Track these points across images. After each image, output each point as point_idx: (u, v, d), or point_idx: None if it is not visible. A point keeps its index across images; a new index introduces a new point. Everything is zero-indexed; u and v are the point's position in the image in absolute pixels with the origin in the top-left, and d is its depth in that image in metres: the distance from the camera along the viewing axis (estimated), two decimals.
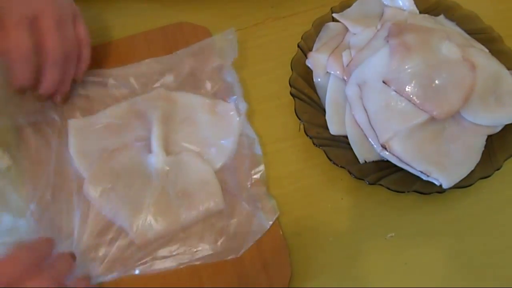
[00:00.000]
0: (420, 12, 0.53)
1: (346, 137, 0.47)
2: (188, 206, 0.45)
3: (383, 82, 0.45)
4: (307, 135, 0.46)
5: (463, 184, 0.43)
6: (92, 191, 0.45)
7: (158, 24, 0.58)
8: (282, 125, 0.51)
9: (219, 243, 0.44)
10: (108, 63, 0.54)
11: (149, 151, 0.48)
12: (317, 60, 0.50)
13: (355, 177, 0.44)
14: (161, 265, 0.43)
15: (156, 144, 0.47)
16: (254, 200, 0.45)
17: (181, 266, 0.43)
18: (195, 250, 0.43)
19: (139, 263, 0.43)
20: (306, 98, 0.49)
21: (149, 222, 0.44)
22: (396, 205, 0.46)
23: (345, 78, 0.48)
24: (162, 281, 0.42)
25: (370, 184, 0.43)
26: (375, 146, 0.45)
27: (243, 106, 0.50)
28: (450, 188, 0.43)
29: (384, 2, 0.54)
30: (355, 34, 0.51)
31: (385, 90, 0.45)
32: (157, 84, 0.52)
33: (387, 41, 0.48)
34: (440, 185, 0.43)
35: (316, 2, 0.58)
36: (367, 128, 0.46)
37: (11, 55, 0.43)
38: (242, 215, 0.45)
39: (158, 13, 0.60)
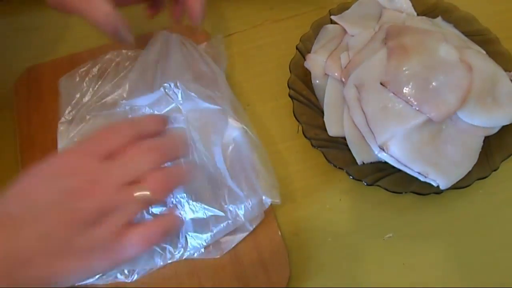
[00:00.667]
0: (418, 14, 0.54)
1: (344, 138, 0.47)
2: None
3: (381, 83, 0.46)
4: (305, 137, 0.47)
5: (461, 185, 0.43)
6: None
7: (157, 26, 0.58)
8: (280, 127, 0.51)
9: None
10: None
11: None
12: (316, 62, 0.51)
13: (353, 178, 0.44)
14: None
15: None
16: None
17: None
18: None
19: None
20: (305, 99, 0.50)
21: None
22: (394, 206, 0.46)
23: (343, 80, 0.49)
24: (162, 282, 0.43)
25: (368, 185, 0.44)
26: (373, 147, 0.45)
27: None
28: (448, 189, 0.43)
29: (382, 4, 0.54)
30: (353, 36, 0.52)
31: (382, 91, 0.46)
32: None
33: (385, 43, 0.48)
34: (438, 186, 0.43)
35: (315, 4, 0.59)
36: (365, 129, 0.46)
37: None
38: None
39: (157, 16, 0.60)
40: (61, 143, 0.48)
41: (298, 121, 0.47)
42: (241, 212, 0.44)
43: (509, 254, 0.44)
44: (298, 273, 0.43)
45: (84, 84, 0.51)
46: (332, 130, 0.47)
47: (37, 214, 0.31)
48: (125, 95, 0.49)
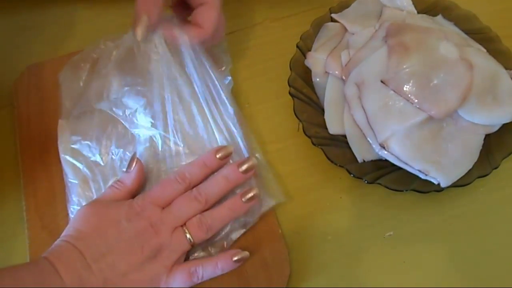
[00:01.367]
0: (418, 12, 0.54)
1: (344, 136, 0.47)
2: None
3: (381, 81, 0.46)
4: (306, 135, 0.46)
5: (461, 183, 0.43)
6: None
7: None
8: (281, 125, 0.51)
9: None
10: None
11: None
12: (316, 60, 0.51)
13: (354, 176, 0.44)
14: None
15: None
16: None
17: None
18: None
19: None
20: (305, 97, 0.49)
21: None
22: (394, 203, 0.46)
23: (344, 77, 0.49)
24: None
25: (368, 183, 0.44)
26: (373, 145, 0.45)
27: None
28: (448, 187, 0.43)
29: (383, 2, 0.54)
30: (353, 34, 0.52)
31: (383, 89, 0.46)
32: None
33: (385, 41, 0.48)
34: (438, 184, 0.43)
35: (315, 2, 0.59)
36: (366, 127, 0.46)
37: None
38: None
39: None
40: (61, 139, 0.48)
41: (298, 119, 0.47)
42: None
43: (510, 252, 0.44)
44: (298, 271, 0.43)
45: (82, 75, 0.51)
46: (333, 128, 0.47)
47: (108, 251, 0.39)
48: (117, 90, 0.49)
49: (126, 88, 0.48)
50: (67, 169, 0.47)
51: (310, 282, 0.43)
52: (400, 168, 0.44)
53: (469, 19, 0.53)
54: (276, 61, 0.54)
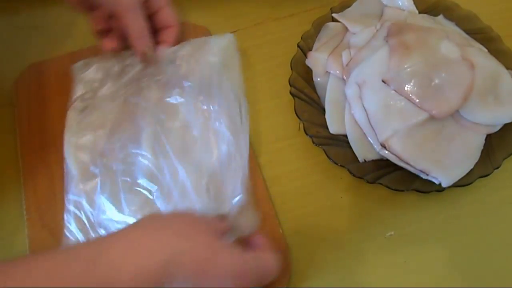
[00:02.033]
0: (419, 12, 0.54)
1: (345, 136, 0.47)
2: None
3: (383, 81, 0.45)
4: (306, 134, 0.46)
5: (462, 183, 0.43)
6: None
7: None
8: (282, 124, 0.51)
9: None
10: None
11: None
12: (317, 60, 0.51)
13: (355, 175, 0.44)
14: None
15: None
16: None
17: None
18: None
19: None
20: (306, 97, 0.49)
21: None
22: (395, 203, 0.46)
23: (345, 77, 0.49)
24: None
25: (369, 182, 0.44)
26: (374, 145, 0.45)
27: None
28: (449, 186, 0.43)
29: (384, 2, 0.54)
30: (354, 34, 0.52)
31: (384, 89, 0.46)
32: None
33: (387, 41, 0.48)
34: (439, 184, 0.43)
35: (316, 2, 0.59)
36: (367, 127, 0.46)
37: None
38: None
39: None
40: (69, 130, 0.48)
41: (299, 118, 0.47)
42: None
43: (511, 252, 0.44)
44: (299, 271, 0.43)
45: (101, 76, 0.51)
46: (334, 127, 0.47)
47: None
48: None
49: None
50: (69, 160, 0.47)
51: (311, 282, 0.43)
52: (401, 168, 0.44)
53: (470, 19, 0.53)
54: (277, 61, 0.54)
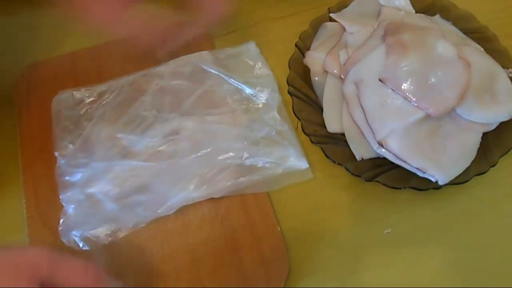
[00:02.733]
0: (416, 12, 0.54)
1: (343, 134, 0.47)
2: None
3: (380, 80, 0.46)
4: (304, 133, 0.47)
5: (459, 181, 0.43)
6: None
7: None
8: None
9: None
10: (108, 62, 0.55)
11: None
12: (315, 59, 0.51)
13: (352, 174, 0.44)
14: None
15: None
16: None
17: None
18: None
19: None
20: (304, 96, 0.50)
21: None
22: (392, 201, 0.46)
23: (342, 76, 0.49)
24: (161, 278, 0.43)
25: (367, 180, 0.44)
26: (371, 143, 0.45)
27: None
28: (446, 184, 0.43)
29: (381, 2, 0.54)
30: (352, 33, 0.52)
31: (381, 88, 0.46)
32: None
33: (384, 40, 0.48)
34: (436, 182, 0.43)
35: (314, 2, 0.59)
36: (364, 125, 0.46)
37: None
38: None
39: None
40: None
41: (297, 117, 0.48)
42: None
43: (508, 249, 0.44)
44: (297, 268, 0.43)
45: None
46: (331, 126, 0.48)
47: None
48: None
49: None
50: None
51: (309, 279, 0.43)
52: (398, 166, 0.45)
53: (466, 19, 0.53)
54: (275, 60, 0.54)
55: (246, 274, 0.42)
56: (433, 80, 0.45)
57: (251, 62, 0.54)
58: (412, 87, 0.45)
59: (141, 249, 0.44)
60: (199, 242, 0.44)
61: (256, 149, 0.47)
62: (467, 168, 0.44)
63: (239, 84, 0.52)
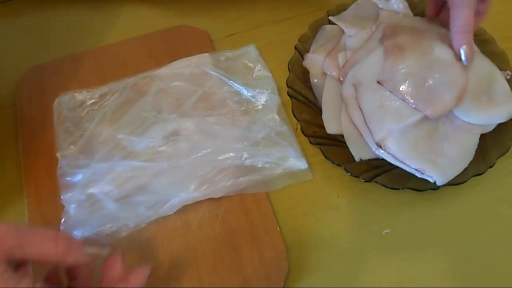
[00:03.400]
0: (414, 15, 0.55)
1: (342, 136, 0.48)
2: None
3: (378, 82, 0.46)
4: (304, 134, 0.47)
5: (457, 181, 0.44)
6: None
7: (157, 27, 0.59)
8: None
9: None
10: (109, 64, 0.56)
11: None
12: (314, 62, 0.52)
13: (351, 174, 0.45)
14: None
15: None
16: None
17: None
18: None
19: None
20: (303, 98, 0.50)
21: None
22: (391, 202, 0.47)
23: (341, 78, 0.50)
24: (160, 278, 0.43)
25: (365, 181, 0.44)
26: (370, 144, 0.46)
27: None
28: (444, 185, 0.43)
29: (379, 5, 0.55)
30: (350, 36, 0.53)
31: (379, 90, 0.46)
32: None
33: (382, 43, 0.49)
34: (434, 183, 0.43)
35: (313, 5, 0.60)
36: (363, 127, 0.46)
37: None
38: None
39: (157, 17, 0.61)
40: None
41: (296, 119, 0.48)
42: None
43: (505, 250, 0.44)
44: (296, 269, 0.44)
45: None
46: (330, 127, 0.48)
47: None
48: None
49: None
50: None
51: (308, 280, 0.43)
52: (396, 167, 0.45)
53: None
54: (274, 63, 0.55)
55: (245, 274, 0.43)
56: (430, 82, 0.45)
57: (250, 64, 0.54)
58: (409, 89, 0.45)
59: (142, 249, 0.44)
60: (199, 242, 0.45)
61: (256, 150, 0.48)
62: (465, 169, 0.45)
63: (239, 86, 0.52)
